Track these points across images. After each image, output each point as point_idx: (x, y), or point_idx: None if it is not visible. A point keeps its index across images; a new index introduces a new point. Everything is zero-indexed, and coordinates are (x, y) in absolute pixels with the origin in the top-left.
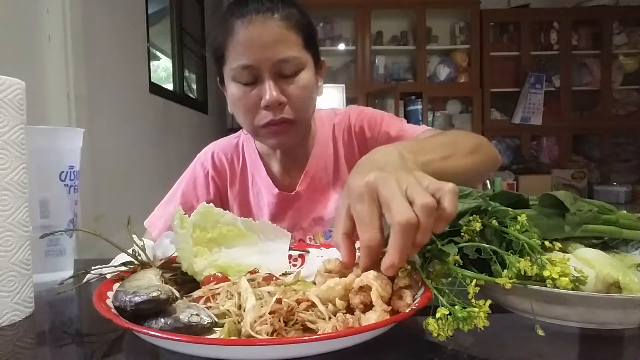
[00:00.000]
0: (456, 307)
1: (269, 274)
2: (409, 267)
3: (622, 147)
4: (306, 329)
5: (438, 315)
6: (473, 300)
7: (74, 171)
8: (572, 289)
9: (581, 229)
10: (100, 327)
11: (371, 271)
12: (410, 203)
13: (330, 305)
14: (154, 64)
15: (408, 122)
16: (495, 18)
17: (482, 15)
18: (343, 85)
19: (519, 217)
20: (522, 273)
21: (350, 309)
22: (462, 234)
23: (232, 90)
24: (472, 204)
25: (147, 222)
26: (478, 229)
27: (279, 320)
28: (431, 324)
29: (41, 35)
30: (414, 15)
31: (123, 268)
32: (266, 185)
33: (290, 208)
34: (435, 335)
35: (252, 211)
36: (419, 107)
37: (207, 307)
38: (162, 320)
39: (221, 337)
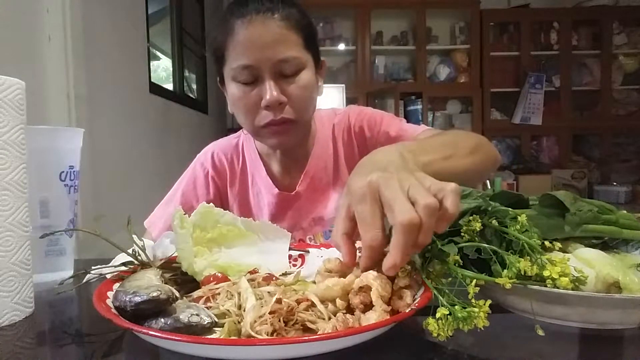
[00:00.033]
0: (456, 307)
1: (269, 274)
2: (409, 267)
3: (622, 147)
4: (306, 329)
5: (438, 315)
6: (473, 300)
7: (74, 171)
8: (572, 289)
9: (581, 229)
10: (100, 327)
11: (371, 271)
12: (413, 203)
13: (330, 305)
14: (154, 64)
15: (408, 122)
16: (495, 18)
17: (482, 15)
18: (343, 85)
19: (519, 217)
20: (522, 273)
21: (350, 309)
22: (462, 234)
23: (232, 90)
24: (472, 204)
25: (147, 222)
26: (478, 229)
27: (279, 320)
28: (431, 324)
29: (41, 35)
30: (414, 15)
31: (123, 268)
32: (266, 185)
33: (290, 208)
34: (435, 335)
35: (252, 211)
36: (419, 107)
37: (207, 307)
38: (162, 320)
39: (221, 337)
